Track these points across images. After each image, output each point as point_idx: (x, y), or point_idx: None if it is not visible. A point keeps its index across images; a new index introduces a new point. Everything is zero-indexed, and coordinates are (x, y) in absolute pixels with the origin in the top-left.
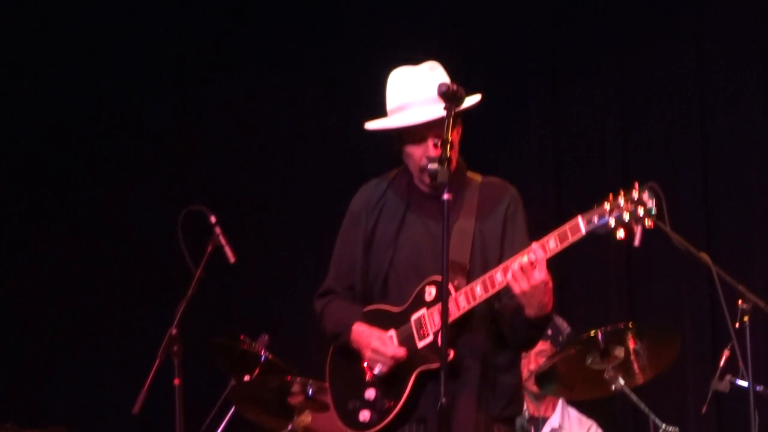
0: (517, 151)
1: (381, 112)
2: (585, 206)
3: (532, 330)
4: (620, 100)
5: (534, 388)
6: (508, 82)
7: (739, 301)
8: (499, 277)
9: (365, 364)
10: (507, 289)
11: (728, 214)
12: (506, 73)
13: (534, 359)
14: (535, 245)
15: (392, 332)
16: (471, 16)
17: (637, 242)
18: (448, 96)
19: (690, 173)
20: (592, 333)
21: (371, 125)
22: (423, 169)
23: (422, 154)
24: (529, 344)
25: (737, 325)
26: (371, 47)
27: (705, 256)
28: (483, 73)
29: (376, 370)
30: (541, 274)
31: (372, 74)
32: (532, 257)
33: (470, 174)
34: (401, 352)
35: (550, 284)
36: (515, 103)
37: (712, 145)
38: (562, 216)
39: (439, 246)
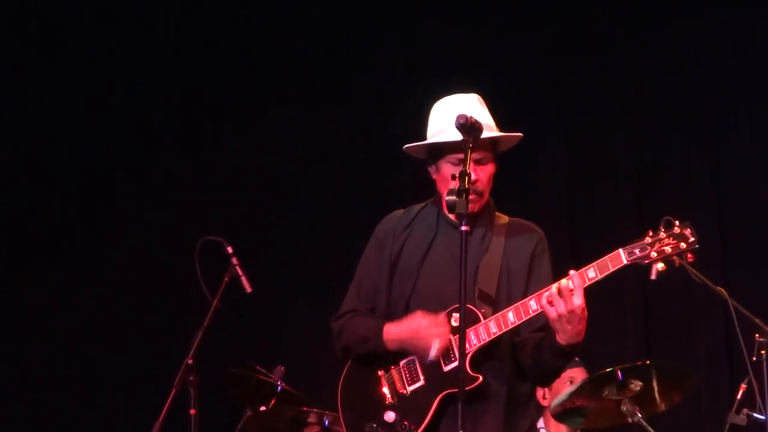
0: (531, 187)
1: (401, 144)
2: (599, 245)
3: (561, 359)
4: (635, 130)
5: None
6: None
7: (756, 335)
8: (533, 304)
9: (390, 387)
10: (527, 324)
11: (745, 248)
12: (522, 111)
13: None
14: (572, 272)
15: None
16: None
17: (653, 275)
18: (466, 128)
19: (706, 206)
20: (609, 369)
21: (411, 145)
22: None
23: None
24: (553, 375)
25: (754, 358)
26: (391, 80)
27: (722, 290)
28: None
29: (434, 349)
30: (578, 300)
31: (394, 105)
32: (571, 283)
33: (498, 214)
34: (444, 319)
35: (586, 312)
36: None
37: (727, 177)
38: (575, 253)
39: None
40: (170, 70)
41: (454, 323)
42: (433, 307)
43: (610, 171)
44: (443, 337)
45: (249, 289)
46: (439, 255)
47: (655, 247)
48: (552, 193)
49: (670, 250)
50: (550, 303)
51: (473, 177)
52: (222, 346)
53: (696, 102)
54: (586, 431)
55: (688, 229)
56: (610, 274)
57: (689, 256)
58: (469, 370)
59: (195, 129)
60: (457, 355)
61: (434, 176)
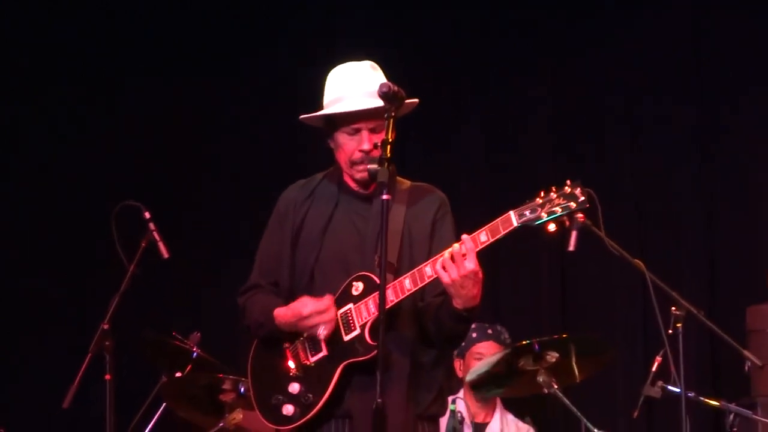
0: (449, 153)
1: (317, 109)
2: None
3: (460, 323)
4: (552, 104)
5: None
6: (440, 84)
7: (673, 308)
8: (428, 270)
9: (295, 359)
10: (431, 288)
11: (662, 221)
12: (437, 75)
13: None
14: (465, 236)
15: None
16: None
17: (571, 246)
18: (389, 96)
19: (623, 177)
20: (526, 342)
21: (306, 116)
22: (354, 162)
23: (355, 147)
24: (456, 340)
25: (670, 331)
26: (308, 46)
27: (639, 263)
28: (416, 75)
29: (321, 332)
30: (470, 264)
31: (308, 72)
32: (463, 248)
33: (399, 179)
34: (329, 299)
35: (480, 275)
36: (447, 104)
37: (642, 152)
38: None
39: (365, 244)
40: (92, 27)
41: (355, 292)
42: (336, 276)
43: (528, 127)
44: (328, 322)
45: (166, 255)
46: (340, 224)
47: (546, 208)
48: (470, 149)
49: (559, 210)
50: (444, 268)
51: (367, 147)
52: (138, 312)
53: (616, 68)
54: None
55: (579, 189)
56: (502, 236)
57: (580, 216)
58: (368, 339)
59: (114, 88)
60: (357, 325)
61: (332, 145)
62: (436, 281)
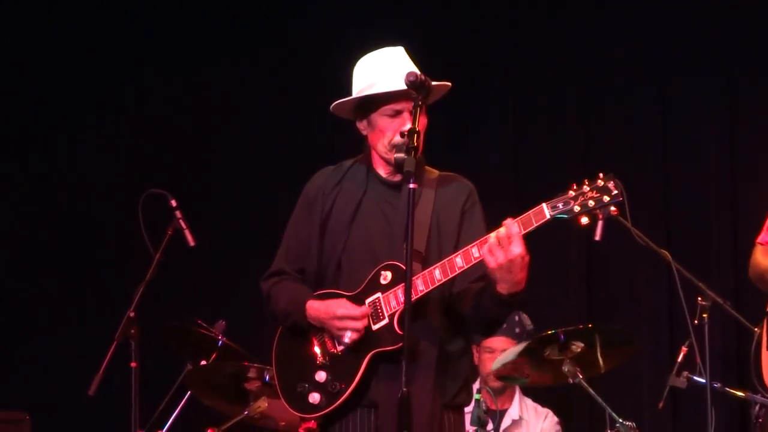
0: (477, 146)
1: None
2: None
3: (503, 308)
4: (582, 95)
5: (495, 384)
6: (470, 75)
7: (699, 298)
8: (459, 261)
9: (322, 347)
10: (464, 276)
11: (689, 211)
12: (468, 66)
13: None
14: (509, 220)
15: None
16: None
17: (598, 236)
18: (416, 85)
19: (651, 171)
20: (551, 332)
21: (343, 100)
22: (394, 146)
23: (396, 129)
24: (495, 325)
25: (696, 322)
26: (335, 34)
27: (665, 253)
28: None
29: (347, 338)
30: (517, 248)
31: (336, 61)
32: (510, 231)
33: (428, 168)
34: (366, 309)
35: (527, 259)
36: (476, 96)
37: (673, 141)
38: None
39: (394, 233)
40: (113, 16)
41: (383, 281)
42: (364, 265)
43: (556, 117)
44: (358, 331)
45: (192, 243)
46: (369, 212)
47: (579, 201)
48: (496, 141)
49: (593, 204)
50: (490, 252)
51: (409, 127)
52: (164, 300)
53: (645, 51)
54: (529, 394)
55: (612, 182)
56: (534, 228)
57: (613, 209)
58: (397, 329)
59: (141, 76)
60: (386, 314)
61: (365, 132)
62: (470, 270)
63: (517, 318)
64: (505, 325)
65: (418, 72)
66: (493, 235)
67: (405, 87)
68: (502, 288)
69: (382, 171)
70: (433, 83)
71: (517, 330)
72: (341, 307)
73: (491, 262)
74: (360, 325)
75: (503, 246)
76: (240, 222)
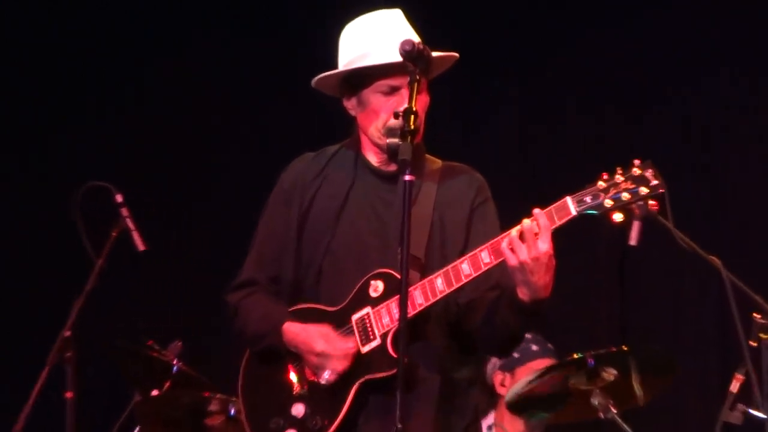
0: (483, 134)
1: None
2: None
3: (524, 318)
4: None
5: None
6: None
7: (755, 315)
8: (466, 267)
9: (299, 374)
10: (474, 285)
11: (742, 210)
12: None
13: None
14: (537, 210)
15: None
16: None
17: (633, 240)
18: (413, 56)
19: (693, 154)
20: (577, 356)
21: (328, 74)
22: (390, 129)
23: (392, 109)
24: (513, 343)
25: (753, 343)
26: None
27: (714, 260)
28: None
29: (324, 378)
30: (545, 245)
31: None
32: (535, 224)
33: (429, 157)
34: (353, 347)
35: (554, 261)
36: (483, 78)
37: (716, 131)
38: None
39: (387, 234)
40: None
41: (374, 293)
42: (351, 272)
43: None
44: (338, 372)
45: (142, 247)
46: (357, 208)
47: (610, 194)
48: (503, 129)
49: (628, 197)
50: (512, 248)
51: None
52: (107, 316)
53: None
54: (549, 427)
55: (650, 170)
56: (557, 227)
57: (652, 203)
58: (390, 351)
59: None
60: (377, 334)
61: (354, 112)
62: (480, 279)
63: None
64: (551, 346)
65: (416, 40)
66: (515, 228)
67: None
68: (524, 293)
69: (374, 159)
70: (435, 54)
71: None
72: (322, 339)
73: (512, 260)
74: (342, 365)
75: (527, 241)
76: (200, 222)
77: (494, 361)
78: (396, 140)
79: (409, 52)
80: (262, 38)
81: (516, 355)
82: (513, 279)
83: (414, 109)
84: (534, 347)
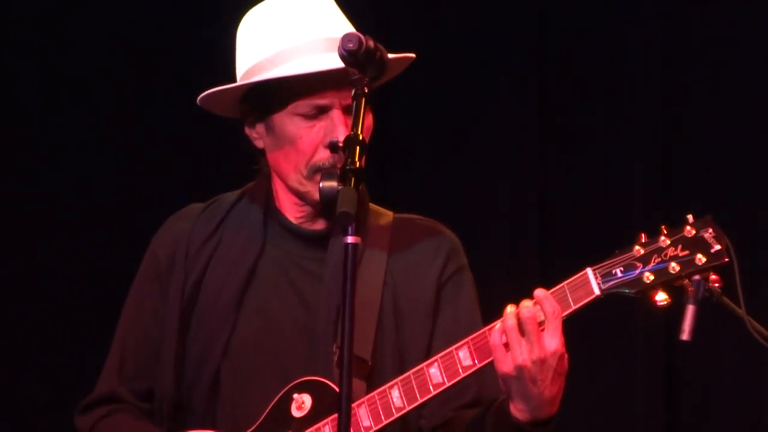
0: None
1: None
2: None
3: None
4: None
5: None
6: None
7: None
8: (435, 372)
9: None
10: (443, 399)
11: None
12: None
13: None
14: (540, 291)
15: None
16: None
17: (686, 334)
18: (360, 59)
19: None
20: None
21: (213, 92)
22: (316, 168)
23: (319, 140)
24: None
25: None
26: None
27: None
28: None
29: None
30: (554, 341)
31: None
32: (540, 313)
33: (374, 207)
34: None
35: (566, 364)
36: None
37: None
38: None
39: (315, 323)
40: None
41: (297, 412)
42: (261, 381)
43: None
44: None
45: None
46: (269, 286)
47: (651, 264)
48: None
49: (677, 269)
50: (505, 346)
51: (343, 135)
52: None
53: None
54: None
55: (711, 229)
56: (574, 312)
57: (714, 278)
58: None
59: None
60: None
61: (261, 144)
62: (454, 390)
63: None
64: None
65: (362, 36)
66: (510, 311)
67: (336, 65)
68: (521, 410)
69: (292, 213)
70: (391, 56)
71: None
72: None
73: (506, 363)
74: None
75: (529, 334)
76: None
77: None
78: (332, 183)
79: (353, 52)
80: None
81: None
82: (505, 389)
83: (360, 136)
84: None
